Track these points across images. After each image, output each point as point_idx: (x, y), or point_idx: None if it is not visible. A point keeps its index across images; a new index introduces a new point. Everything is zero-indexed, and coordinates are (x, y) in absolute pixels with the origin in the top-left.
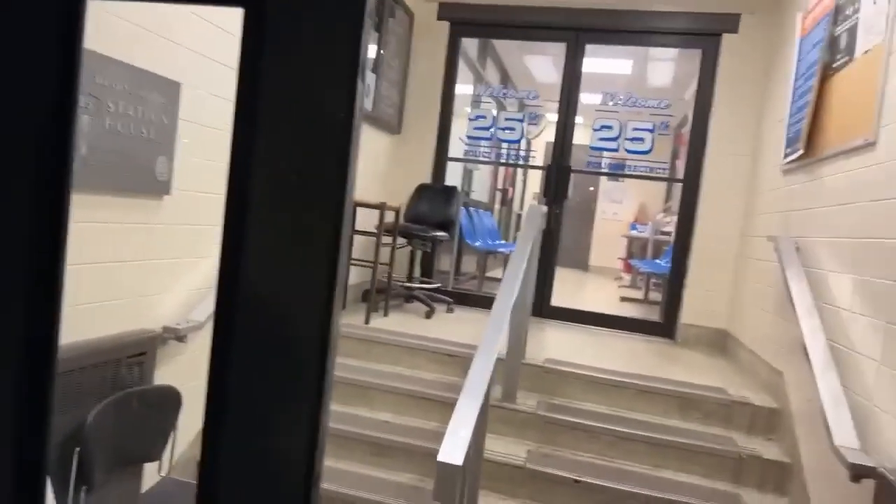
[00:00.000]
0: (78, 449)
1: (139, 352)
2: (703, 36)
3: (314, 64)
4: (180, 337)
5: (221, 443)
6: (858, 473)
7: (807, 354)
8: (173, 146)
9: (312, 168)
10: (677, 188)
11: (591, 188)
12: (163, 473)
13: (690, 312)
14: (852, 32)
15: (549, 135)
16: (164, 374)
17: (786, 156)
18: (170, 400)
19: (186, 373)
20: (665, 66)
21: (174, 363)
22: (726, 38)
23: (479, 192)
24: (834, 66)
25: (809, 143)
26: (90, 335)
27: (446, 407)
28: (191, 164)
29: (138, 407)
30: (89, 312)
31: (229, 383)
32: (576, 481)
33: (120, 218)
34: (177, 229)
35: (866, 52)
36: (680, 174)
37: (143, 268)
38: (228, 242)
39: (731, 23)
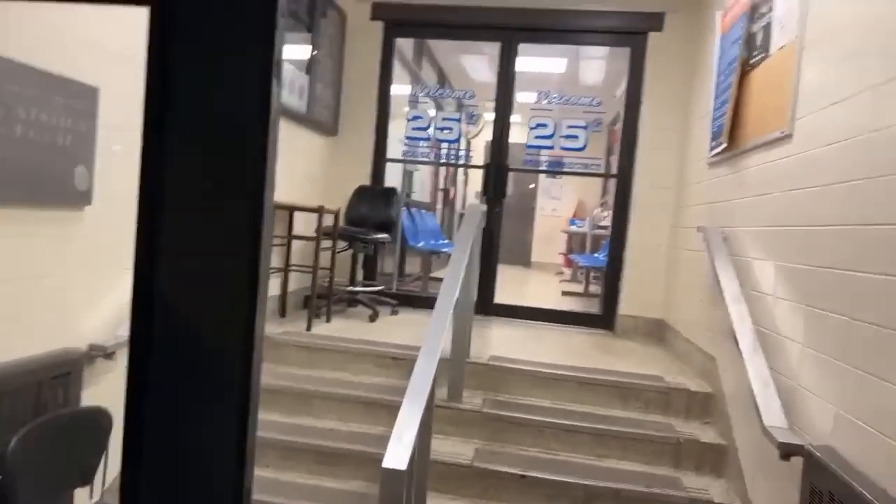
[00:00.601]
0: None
1: (63, 372)
2: (631, 34)
3: (226, 64)
4: (108, 354)
5: (142, 464)
6: (787, 451)
7: (736, 340)
8: (93, 154)
9: (228, 172)
10: (613, 183)
11: (532, 185)
12: (95, 499)
13: (628, 304)
14: (767, 30)
15: (488, 134)
16: (93, 395)
17: (711, 149)
18: (99, 421)
19: (117, 392)
20: (597, 65)
21: (103, 382)
22: (652, 37)
23: (421, 192)
24: (751, 62)
25: (732, 136)
26: (5, 357)
27: (392, 411)
28: (114, 172)
29: (65, 430)
30: (3, 333)
31: (148, 401)
32: (522, 476)
33: (35, 231)
34: (101, 241)
35: (780, 48)
36: (615, 170)
37: (64, 283)
38: (141, 254)
39: (656, 21)
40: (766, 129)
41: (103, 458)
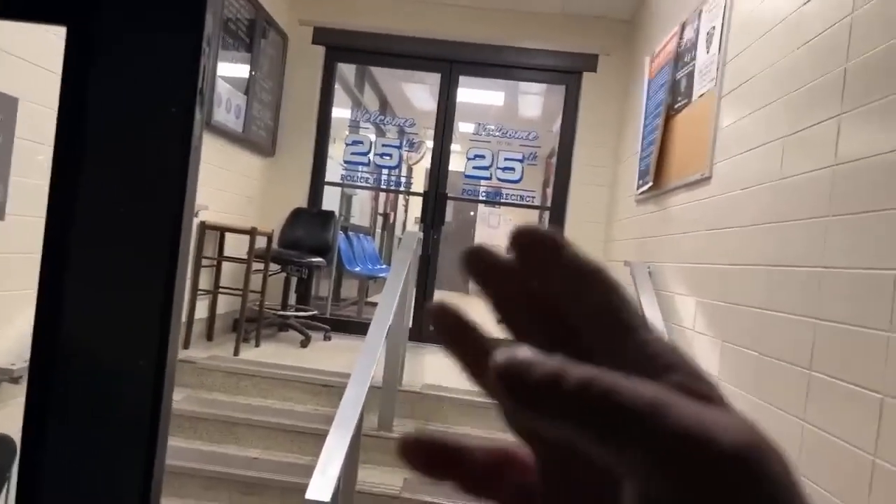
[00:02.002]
0: None
1: None
2: (566, 73)
3: (146, 87)
4: (14, 378)
5: (42, 495)
6: None
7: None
8: (8, 167)
9: (144, 197)
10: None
11: (472, 213)
12: None
13: None
14: (690, 77)
15: (429, 161)
16: None
17: (638, 187)
18: (1, 448)
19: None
20: (535, 100)
21: (9, 407)
22: (587, 77)
23: (360, 216)
24: (676, 106)
25: (657, 175)
26: None
27: (321, 439)
28: (29, 187)
29: None
30: None
31: (47, 430)
32: None
33: None
34: (11, 258)
35: (701, 95)
36: (550, 203)
37: None
38: (47, 277)
39: (590, 62)
40: (688, 171)
41: (4, 487)
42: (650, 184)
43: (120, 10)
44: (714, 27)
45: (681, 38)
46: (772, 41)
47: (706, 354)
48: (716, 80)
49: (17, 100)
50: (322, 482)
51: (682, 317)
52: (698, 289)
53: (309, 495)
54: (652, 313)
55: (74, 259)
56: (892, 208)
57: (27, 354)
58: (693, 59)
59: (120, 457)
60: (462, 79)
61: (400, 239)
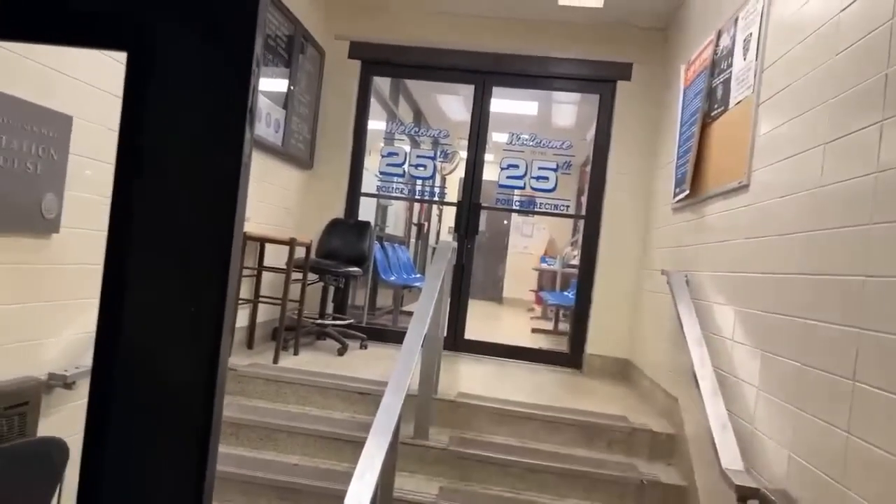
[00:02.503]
0: None
1: (20, 402)
2: (600, 82)
3: (201, 108)
4: (68, 384)
5: (100, 496)
6: (743, 494)
7: (697, 382)
8: (63, 182)
9: (198, 213)
10: (583, 223)
11: (505, 222)
12: None
13: (595, 343)
14: (727, 84)
15: (462, 171)
16: (50, 425)
17: (675, 195)
18: (55, 452)
19: (77, 422)
20: (568, 109)
21: (62, 412)
22: (621, 85)
23: (394, 226)
24: (712, 114)
25: (694, 184)
26: None
27: (358, 447)
28: (83, 201)
29: (18, 460)
30: None
31: (108, 433)
32: None
33: (1, 258)
34: (66, 269)
35: (738, 102)
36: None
37: (26, 311)
38: (109, 288)
39: (624, 71)
40: (726, 179)
41: (57, 489)
42: (687, 192)
43: (176, 35)
44: (751, 34)
45: (717, 45)
46: (810, 47)
47: (746, 364)
48: (753, 86)
49: (72, 118)
50: (360, 489)
51: (720, 326)
52: (737, 298)
53: (348, 502)
54: (689, 323)
55: (133, 270)
56: None
57: (80, 361)
58: (729, 66)
59: (175, 460)
60: (495, 89)
61: (434, 248)
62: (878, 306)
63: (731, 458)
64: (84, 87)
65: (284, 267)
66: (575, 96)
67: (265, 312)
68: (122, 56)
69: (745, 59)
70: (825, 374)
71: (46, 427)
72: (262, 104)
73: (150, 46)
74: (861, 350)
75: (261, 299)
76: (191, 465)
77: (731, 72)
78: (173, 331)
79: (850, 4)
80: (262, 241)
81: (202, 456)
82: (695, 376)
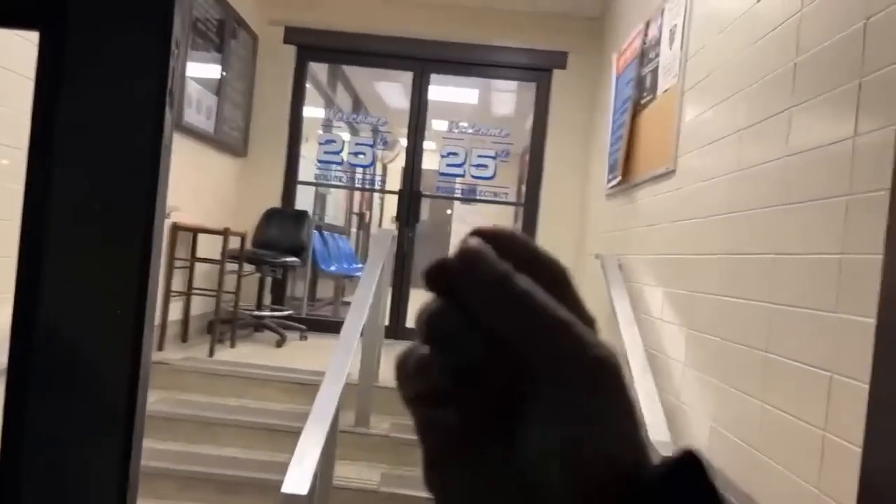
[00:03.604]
0: None
1: None
2: (537, 70)
3: (117, 89)
4: None
5: (18, 496)
6: None
7: (628, 362)
8: None
9: (116, 198)
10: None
11: (448, 211)
12: None
13: None
14: (655, 73)
15: (404, 160)
16: None
17: (608, 181)
18: None
19: None
20: (507, 97)
21: None
22: (557, 74)
23: (334, 216)
24: (642, 102)
25: (625, 170)
26: None
27: (298, 437)
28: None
29: None
30: None
31: (25, 432)
32: (429, 500)
33: None
34: None
35: (665, 90)
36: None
37: None
38: (24, 278)
39: (560, 60)
40: (654, 165)
41: None
42: (619, 178)
43: (90, 14)
44: (676, 24)
45: (646, 35)
46: (729, 38)
47: (674, 342)
48: (678, 75)
49: None
50: (299, 475)
51: (650, 307)
52: (665, 279)
53: (285, 489)
54: (621, 305)
55: (50, 258)
56: (837, 196)
57: None
58: (657, 55)
59: (97, 451)
60: (434, 77)
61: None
62: (786, 282)
63: (658, 430)
64: None
65: (219, 258)
66: (513, 84)
67: (200, 305)
68: (32, 36)
69: (671, 48)
70: (742, 348)
71: None
72: (193, 90)
73: (62, 26)
74: (773, 323)
75: (194, 291)
76: (114, 462)
77: (658, 61)
78: (93, 322)
79: None
80: (195, 232)
81: (125, 452)
82: (626, 356)
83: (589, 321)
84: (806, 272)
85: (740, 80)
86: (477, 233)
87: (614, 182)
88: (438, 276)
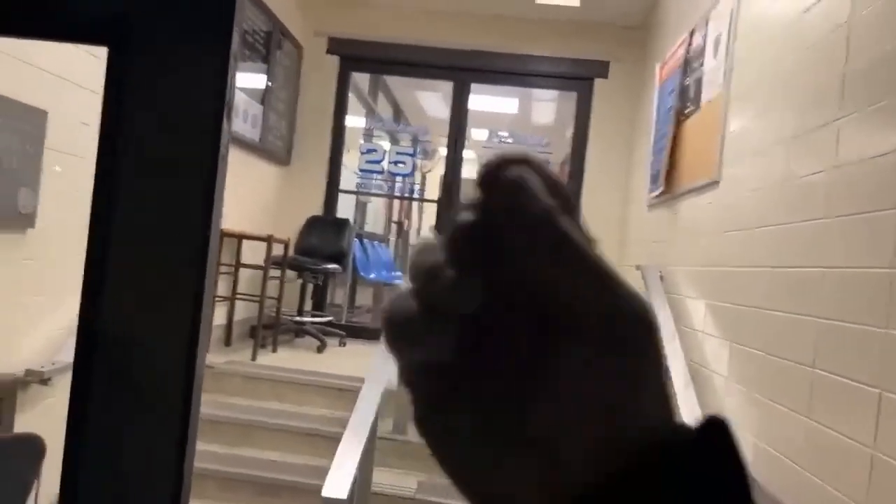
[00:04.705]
0: None
1: None
2: (578, 80)
3: (179, 102)
4: (44, 380)
5: (80, 491)
6: None
7: (669, 375)
8: (38, 177)
9: (176, 206)
10: None
11: None
12: None
13: None
14: (698, 83)
15: (443, 169)
16: (27, 421)
17: (650, 192)
18: (31, 448)
19: (54, 418)
20: (547, 106)
21: (39, 408)
22: (598, 83)
23: (374, 224)
24: (685, 112)
25: (668, 181)
26: None
27: (336, 443)
28: (59, 196)
29: None
30: None
31: (89, 426)
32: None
33: None
34: (43, 265)
35: (709, 101)
36: None
37: (1, 307)
38: (89, 282)
39: (601, 69)
40: (698, 175)
41: (35, 485)
42: (661, 189)
43: (154, 31)
44: (721, 34)
45: (689, 44)
46: (775, 47)
47: (716, 356)
48: (723, 85)
49: (47, 112)
50: (338, 480)
51: (692, 319)
52: (707, 291)
53: (325, 493)
54: (663, 317)
55: (113, 264)
56: (887, 209)
57: (56, 357)
58: (701, 65)
59: (154, 448)
60: (474, 86)
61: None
62: (834, 296)
63: None
64: (58, 81)
65: (262, 264)
66: (554, 94)
67: (243, 310)
68: (97, 50)
69: (715, 58)
70: (788, 363)
71: (22, 424)
72: (240, 100)
73: (128, 41)
74: (819, 338)
75: (238, 296)
76: (170, 459)
77: (702, 70)
78: (153, 324)
79: (812, 6)
80: (240, 238)
81: (181, 449)
82: (667, 370)
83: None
84: (855, 287)
85: (787, 90)
86: (506, 161)
87: (656, 192)
88: (489, 186)
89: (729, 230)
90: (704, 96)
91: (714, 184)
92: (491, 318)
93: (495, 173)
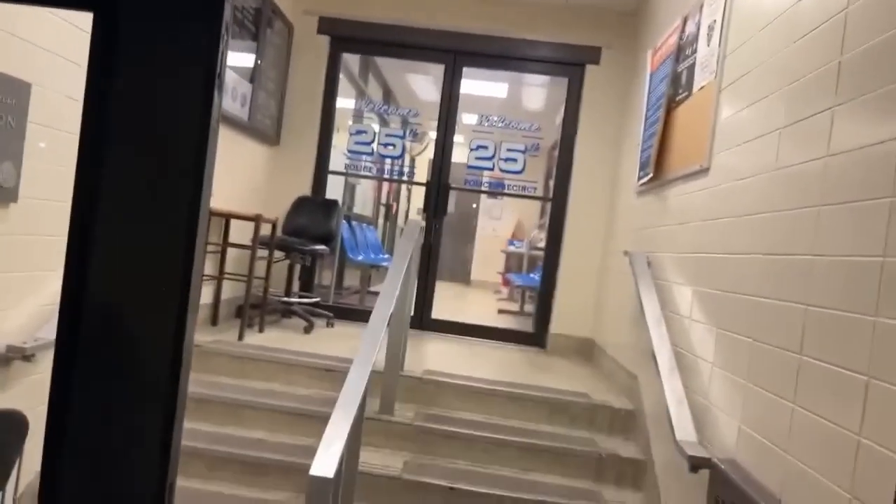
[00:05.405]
0: None
1: None
2: (569, 65)
3: (168, 72)
4: (27, 356)
5: (65, 466)
6: (695, 464)
7: (655, 360)
8: (21, 151)
9: (164, 179)
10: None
11: (474, 205)
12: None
13: (560, 323)
14: (691, 70)
15: (432, 152)
16: (10, 398)
17: (639, 178)
18: (12, 425)
19: (36, 395)
20: (538, 91)
21: (21, 385)
22: (589, 69)
23: (363, 206)
24: (677, 99)
25: (657, 167)
26: None
27: (323, 422)
28: (42, 171)
29: None
30: None
31: (73, 402)
32: (450, 488)
33: None
34: (24, 240)
35: (701, 88)
36: (552, 194)
37: None
38: (73, 255)
39: (593, 55)
40: (688, 163)
41: (17, 462)
42: (650, 175)
43: None
44: (715, 21)
45: (682, 31)
46: (769, 35)
47: (703, 342)
48: (716, 72)
49: (31, 85)
50: (326, 459)
51: (679, 305)
52: (695, 278)
53: (314, 472)
54: (650, 302)
55: (98, 236)
56: (879, 197)
57: (40, 333)
58: (694, 52)
59: (141, 430)
60: (465, 70)
61: (402, 229)
62: (823, 284)
63: (685, 430)
64: (43, 53)
65: (250, 244)
66: (545, 79)
67: (230, 290)
68: (82, 22)
69: (708, 45)
70: (775, 349)
71: (5, 400)
72: (229, 77)
73: (115, 5)
74: (807, 325)
75: (226, 276)
76: (157, 435)
77: (695, 58)
78: (139, 300)
79: None
80: (228, 217)
81: (168, 425)
82: (653, 354)
83: None
84: (845, 274)
85: (781, 78)
86: None
87: (645, 179)
88: None
89: (718, 217)
90: (697, 83)
91: (704, 171)
92: None
93: None
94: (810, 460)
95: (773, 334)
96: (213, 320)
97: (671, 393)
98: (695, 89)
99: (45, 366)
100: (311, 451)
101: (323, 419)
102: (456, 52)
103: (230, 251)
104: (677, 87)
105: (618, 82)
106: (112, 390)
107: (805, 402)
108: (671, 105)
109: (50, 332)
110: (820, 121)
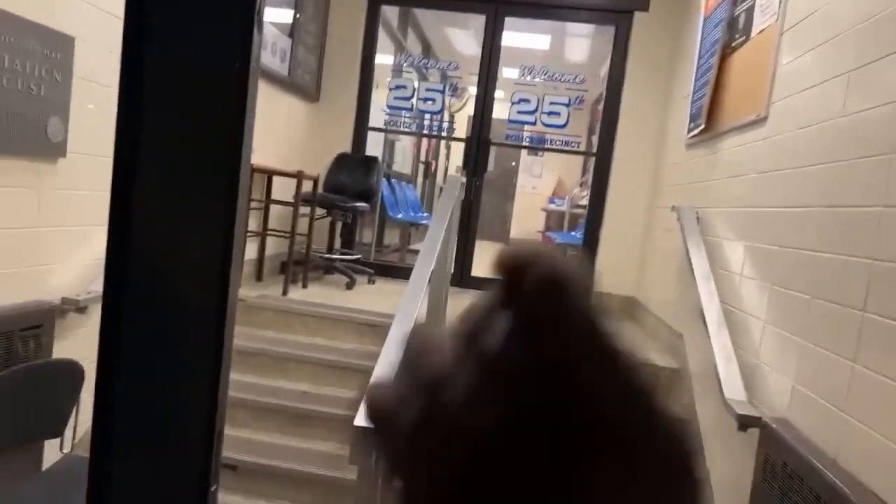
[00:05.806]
0: None
1: (34, 324)
2: (616, 13)
3: (206, 13)
4: (81, 308)
5: (115, 415)
6: (745, 423)
7: (703, 317)
8: (68, 105)
9: (204, 126)
10: (593, 162)
11: (514, 163)
12: (66, 450)
13: (602, 281)
14: (749, 13)
15: (472, 108)
16: (66, 348)
17: (689, 131)
18: (71, 374)
19: (90, 345)
20: (582, 42)
21: (76, 336)
22: (638, 16)
23: (402, 163)
24: (733, 44)
25: (710, 118)
26: None
27: (366, 376)
28: (89, 125)
29: (35, 382)
30: None
31: (122, 354)
32: None
33: (6, 181)
34: (74, 194)
35: (761, 31)
36: (596, 149)
37: (37, 235)
38: (117, 209)
39: (642, 1)
40: (743, 112)
41: (74, 410)
42: (702, 127)
43: None
44: None
45: None
46: None
47: (754, 299)
48: (777, 14)
49: (74, 38)
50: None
51: (729, 261)
52: (748, 233)
53: (358, 422)
54: (699, 258)
55: (141, 191)
56: None
57: (91, 286)
58: None
59: (188, 381)
60: (507, 21)
61: (441, 188)
62: (892, 237)
63: (734, 389)
64: (84, 5)
65: (292, 200)
66: (589, 28)
67: (273, 246)
68: None
69: None
70: (834, 306)
71: (61, 350)
72: (268, 32)
73: None
74: (873, 280)
75: (269, 232)
76: (204, 386)
77: None
78: (183, 254)
79: None
80: (270, 174)
81: (215, 377)
82: (701, 311)
83: None
84: None
85: (848, 19)
86: (533, 257)
87: (696, 131)
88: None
89: (775, 169)
90: (756, 26)
91: (762, 120)
92: (517, 433)
93: (524, 271)
94: (870, 420)
95: (833, 290)
96: (258, 276)
97: (720, 350)
98: (753, 33)
99: (98, 317)
100: (353, 403)
101: (366, 372)
102: (498, 2)
103: (273, 208)
104: (734, 32)
105: (667, 30)
106: (158, 343)
107: (867, 360)
108: (726, 51)
109: (101, 286)
110: (890, 64)
